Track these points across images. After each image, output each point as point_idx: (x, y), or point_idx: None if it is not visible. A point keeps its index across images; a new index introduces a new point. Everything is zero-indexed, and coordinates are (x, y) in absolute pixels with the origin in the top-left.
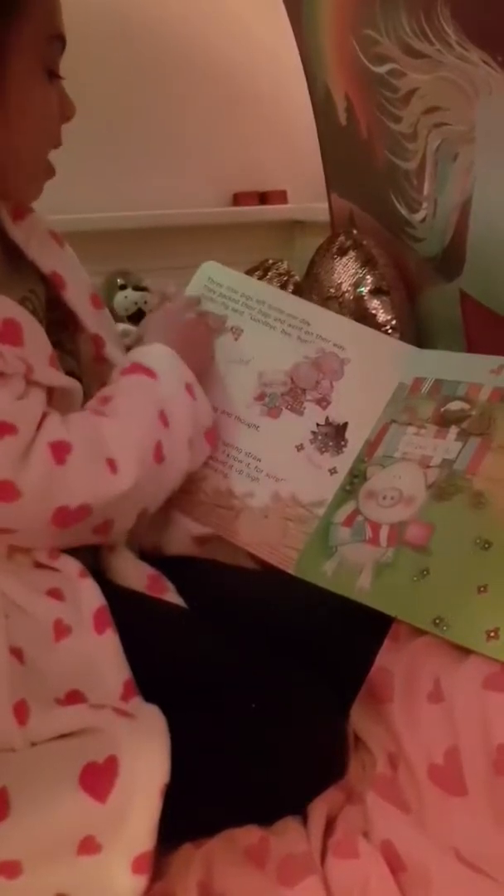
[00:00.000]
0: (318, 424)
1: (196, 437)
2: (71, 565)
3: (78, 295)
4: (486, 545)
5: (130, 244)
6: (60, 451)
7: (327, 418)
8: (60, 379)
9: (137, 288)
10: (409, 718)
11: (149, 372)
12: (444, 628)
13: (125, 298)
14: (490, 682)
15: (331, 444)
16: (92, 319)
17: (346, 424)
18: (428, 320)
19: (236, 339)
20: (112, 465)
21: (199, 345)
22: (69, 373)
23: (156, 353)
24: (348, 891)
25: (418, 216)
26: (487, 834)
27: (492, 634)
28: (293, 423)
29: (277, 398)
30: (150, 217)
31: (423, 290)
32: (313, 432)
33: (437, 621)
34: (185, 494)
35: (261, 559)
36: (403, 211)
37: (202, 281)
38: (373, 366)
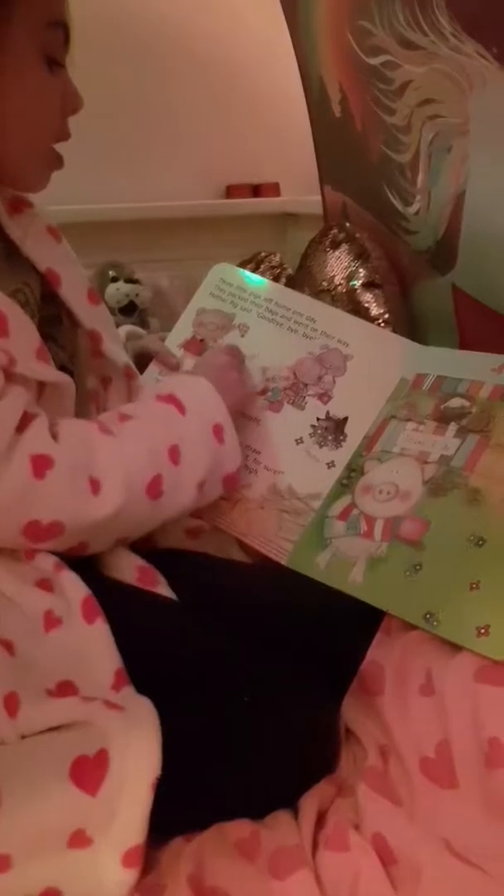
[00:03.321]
0: (318, 419)
1: (210, 480)
2: (48, 560)
3: (73, 291)
4: (480, 542)
5: (122, 236)
6: (41, 465)
7: (328, 413)
8: (48, 373)
9: (129, 280)
10: (401, 711)
11: (179, 406)
12: (435, 624)
13: (117, 290)
14: (481, 675)
15: (330, 438)
16: (88, 315)
17: (346, 419)
18: (421, 314)
19: (243, 336)
20: (95, 485)
21: (233, 387)
22: (61, 367)
23: (194, 387)
24: (339, 883)
25: (412, 209)
26: (478, 826)
27: (482, 631)
28: (294, 417)
29: (280, 392)
30: (143, 209)
31: (416, 284)
32: (313, 426)
33: (428, 617)
34: None
35: (252, 553)
36: (397, 204)
37: (213, 282)
38: (375, 362)
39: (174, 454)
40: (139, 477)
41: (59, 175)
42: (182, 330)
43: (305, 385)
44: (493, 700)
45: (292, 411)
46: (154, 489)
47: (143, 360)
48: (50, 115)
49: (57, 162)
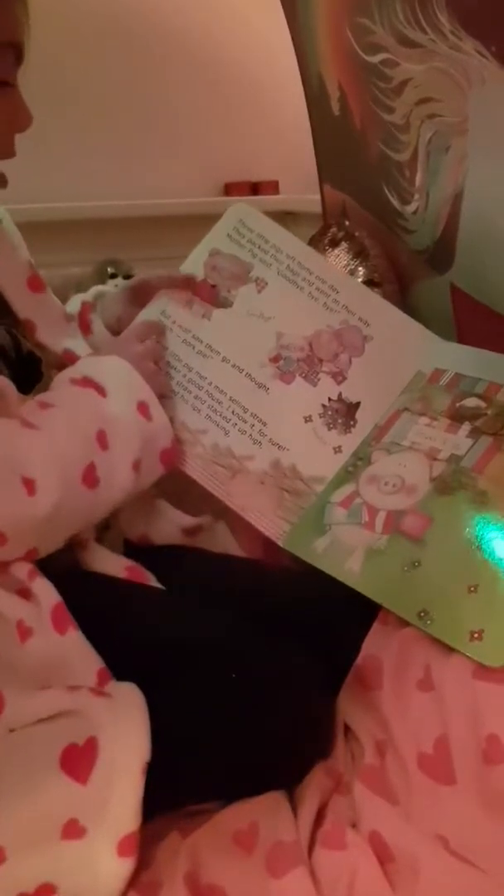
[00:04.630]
0: (329, 399)
1: (147, 458)
2: (22, 568)
3: (10, 279)
4: (482, 545)
5: (121, 233)
6: None
7: (340, 394)
8: None
9: (127, 277)
10: (399, 706)
11: (98, 388)
12: (429, 622)
13: (115, 287)
14: (480, 671)
15: (340, 421)
16: (25, 304)
17: (358, 404)
18: (419, 313)
19: (260, 292)
20: (29, 484)
21: (149, 377)
22: (28, 354)
23: (109, 367)
24: (336, 882)
25: (410, 208)
26: (476, 823)
27: (475, 635)
28: (305, 393)
29: (293, 363)
30: (142, 206)
31: (415, 283)
32: (324, 406)
33: (422, 614)
34: (181, 444)
35: (249, 550)
36: (395, 202)
37: (231, 223)
38: (395, 348)
39: (102, 439)
40: (72, 467)
41: (57, 172)
42: (191, 269)
43: (321, 360)
44: (492, 697)
45: (304, 386)
46: (89, 477)
47: (146, 293)
48: None
49: None
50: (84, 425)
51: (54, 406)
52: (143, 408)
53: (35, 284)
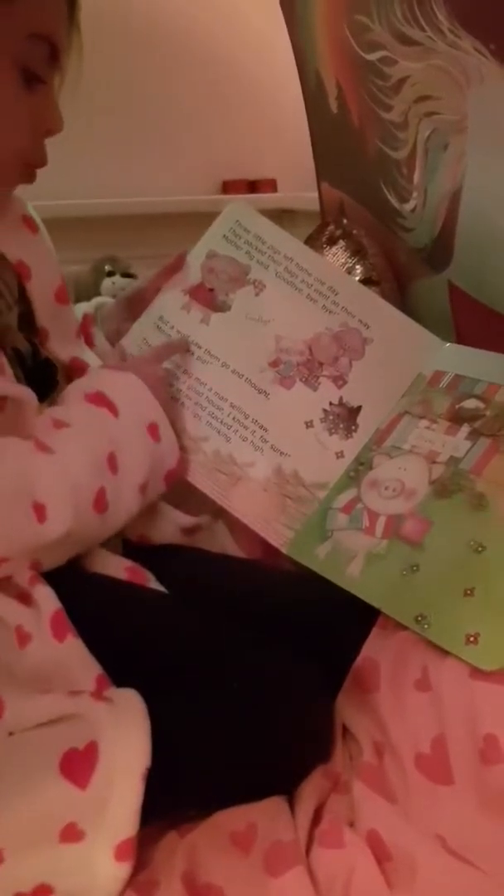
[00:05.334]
0: (331, 403)
1: (153, 480)
2: (23, 574)
3: (41, 287)
4: (480, 549)
5: (119, 231)
6: None
7: (341, 398)
8: (5, 387)
9: (125, 275)
10: (397, 707)
11: (111, 406)
12: (426, 626)
13: (112, 285)
14: (478, 671)
15: (341, 426)
16: (47, 313)
17: (359, 408)
18: (417, 311)
19: (257, 295)
20: (40, 511)
21: (164, 402)
22: (46, 360)
23: (123, 385)
24: (333, 880)
25: (408, 206)
26: (473, 823)
27: (471, 639)
28: (306, 398)
29: (292, 367)
30: (140, 204)
31: (413, 281)
32: (325, 410)
33: (420, 618)
34: (183, 452)
35: (248, 550)
36: (394, 200)
37: (228, 223)
38: (395, 351)
39: (112, 462)
40: (85, 494)
41: (55, 170)
42: (189, 273)
43: (321, 364)
44: (489, 696)
45: (304, 390)
46: (100, 503)
47: (141, 302)
48: (14, 133)
49: (23, 178)
50: (96, 448)
51: (68, 426)
52: (152, 429)
53: (61, 296)
